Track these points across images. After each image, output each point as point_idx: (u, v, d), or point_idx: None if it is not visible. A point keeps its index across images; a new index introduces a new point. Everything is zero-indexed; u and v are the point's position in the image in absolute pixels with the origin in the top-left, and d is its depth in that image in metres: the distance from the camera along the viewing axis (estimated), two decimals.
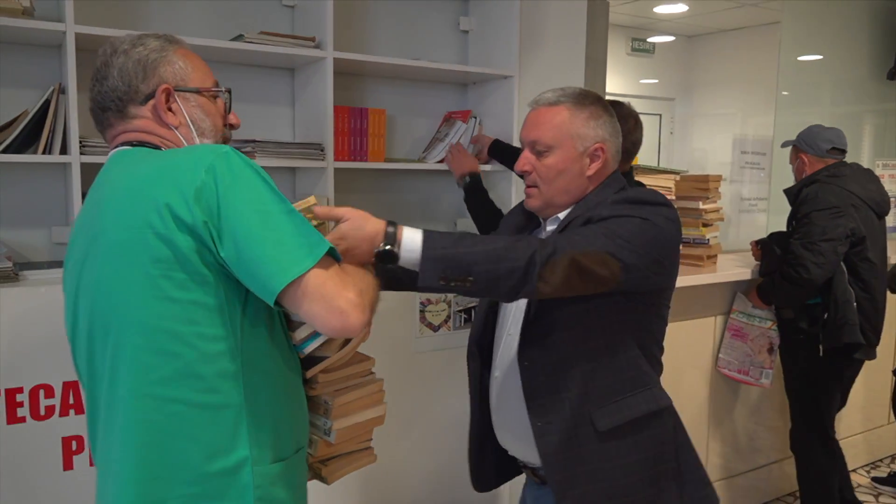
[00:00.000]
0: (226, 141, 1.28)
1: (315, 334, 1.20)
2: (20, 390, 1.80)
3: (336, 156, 2.28)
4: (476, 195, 2.36)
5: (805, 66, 4.65)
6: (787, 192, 2.89)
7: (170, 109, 1.20)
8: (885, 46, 4.80)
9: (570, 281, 1.30)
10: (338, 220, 1.24)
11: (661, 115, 6.86)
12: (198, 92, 1.22)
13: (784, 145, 3.00)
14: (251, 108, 2.37)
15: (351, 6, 2.50)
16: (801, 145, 2.89)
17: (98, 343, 1.14)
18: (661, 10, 5.61)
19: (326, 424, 1.29)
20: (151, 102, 1.19)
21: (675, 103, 6.84)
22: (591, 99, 1.53)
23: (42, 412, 1.82)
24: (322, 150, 2.23)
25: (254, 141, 2.16)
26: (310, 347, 1.22)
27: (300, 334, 1.20)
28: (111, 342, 1.11)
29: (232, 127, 1.30)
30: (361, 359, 1.36)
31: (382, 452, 1.49)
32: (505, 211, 2.18)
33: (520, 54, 2.55)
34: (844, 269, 2.72)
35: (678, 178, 2.72)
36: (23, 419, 1.81)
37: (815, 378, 2.82)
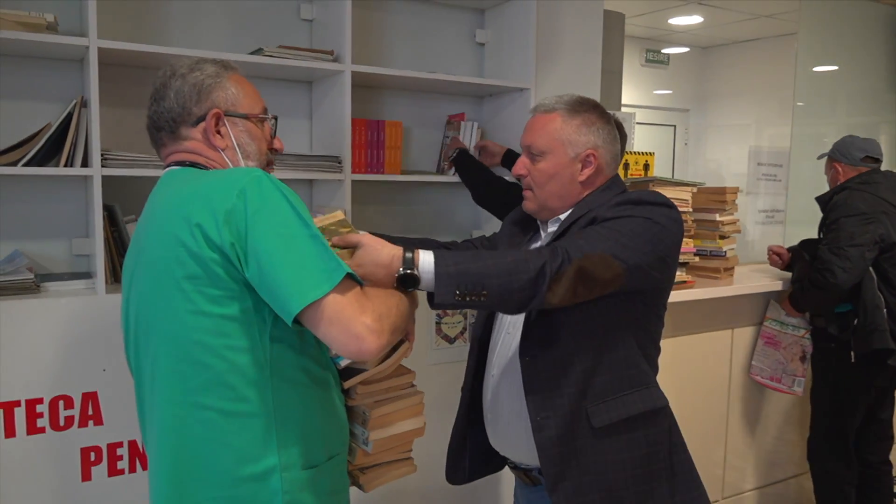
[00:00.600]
0: (269, 163, 1.35)
1: None
2: (40, 401, 1.81)
3: (353, 168, 2.29)
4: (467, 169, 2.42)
5: (821, 77, 4.62)
6: (819, 199, 2.90)
7: (218, 132, 1.26)
8: None
9: (576, 290, 1.33)
10: (354, 247, 1.25)
11: (675, 127, 6.85)
12: (246, 117, 1.29)
13: (820, 157, 3.02)
14: None
15: (368, 20, 2.52)
16: (836, 155, 2.91)
17: (142, 350, 1.23)
18: (675, 21, 5.61)
19: (364, 434, 1.33)
20: (202, 125, 1.26)
21: (689, 114, 6.83)
22: (586, 106, 1.56)
23: (62, 423, 1.83)
24: (339, 163, 2.24)
25: None
26: (345, 360, 1.27)
27: None
28: (151, 351, 1.19)
29: (276, 151, 1.37)
30: (402, 371, 1.39)
31: None
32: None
33: (536, 66, 2.55)
34: (874, 274, 2.70)
35: (695, 190, 2.70)
36: (42, 429, 1.82)
37: (844, 386, 2.80)
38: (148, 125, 1.30)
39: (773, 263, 3.05)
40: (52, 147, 1.88)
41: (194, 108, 1.25)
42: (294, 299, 1.06)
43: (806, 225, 3.09)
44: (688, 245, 2.64)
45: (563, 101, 1.56)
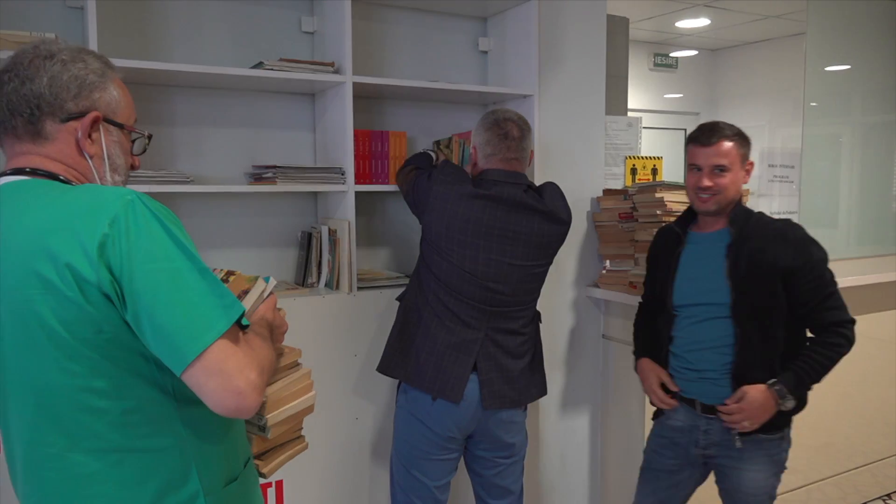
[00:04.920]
0: (125, 182, 1.20)
1: None
2: None
3: (357, 179, 2.29)
4: None
5: (833, 77, 4.57)
6: None
7: (89, 137, 1.11)
8: None
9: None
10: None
11: (685, 130, 6.80)
12: (122, 127, 1.15)
13: None
14: (272, 134, 2.39)
15: (370, 30, 2.52)
16: None
17: (12, 404, 1.07)
18: (682, 24, 5.57)
19: (262, 420, 1.26)
20: (74, 125, 1.09)
21: (699, 117, 6.78)
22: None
23: None
24: (343, 174, 2.23)
25: (275, 167, 2.17)
26: None
27: None
28: (30, 402, 1.04)
29: (132, 168, 1.21)
30: (288, 351, 1.35)
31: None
32: None
33: (539, 73, 2.54)
34: None
35: None
36: None
37: None
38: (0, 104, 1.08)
39: None
40: None
41: (69, 103, 1.08)
42: (188, 346, 0.94)
43: (819, 226, 3.03)
44: None
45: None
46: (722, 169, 1.93)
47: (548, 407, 2.79)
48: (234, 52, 2.30)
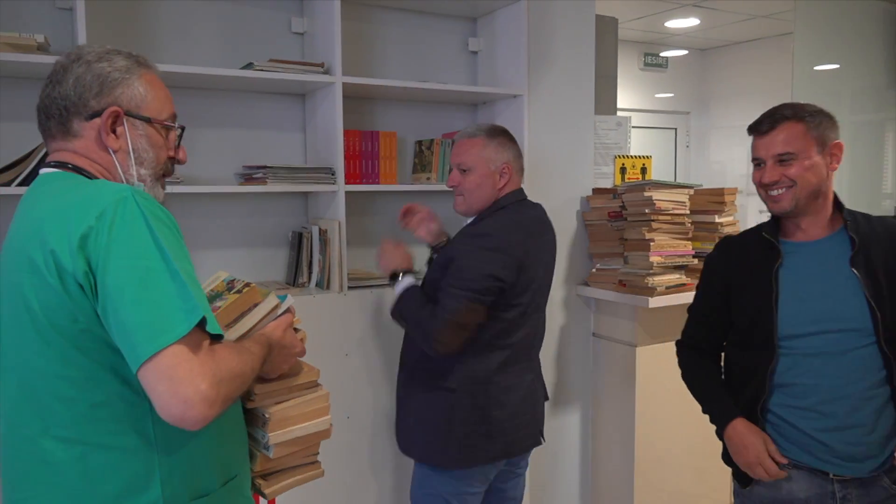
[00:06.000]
0: (166, 174, 1.24)
1: None
2: None
3: (347, 179, 2.30)
4: None
5: (821, 76, 4.60)
6: None
7: (114, 132, 1.14)
8: None
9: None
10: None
11: (676, 129, 6.84)
12: (149, 121, 1.17)
13: None
14: (263, 135, 2.40)
15: (360, 31, 2.53)
16: None
17: (1, 382, 1.10)
18: (672, 24, 5.60)
19: (265, 438, 1.23)
20: (96, 121, 1.13)
21: (690, 117, 6.81)
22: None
23: None
24: (333, 174, 2.24)
25: (265, 167, 2.18)
26: None
27: None
28: (13, 382, 1.08)
29: (177, 162, 1.25)
30: (306, 369, 1.31)
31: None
32: None
33: (528, 73, 2.55)
34: None
35: (692, 192, 2.69)
36: None
37: None
38: (38, 108, 1.16)
39: None
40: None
41: (92, 101, 1.12)
42: (143, 346, 0.94)
43: None
44: (686, 247, 2.63)
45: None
46: (788, 157, 1.58)
47: None
48: (223, 52, 2.31)
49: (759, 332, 1.60)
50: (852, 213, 1.64)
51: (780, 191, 1.59)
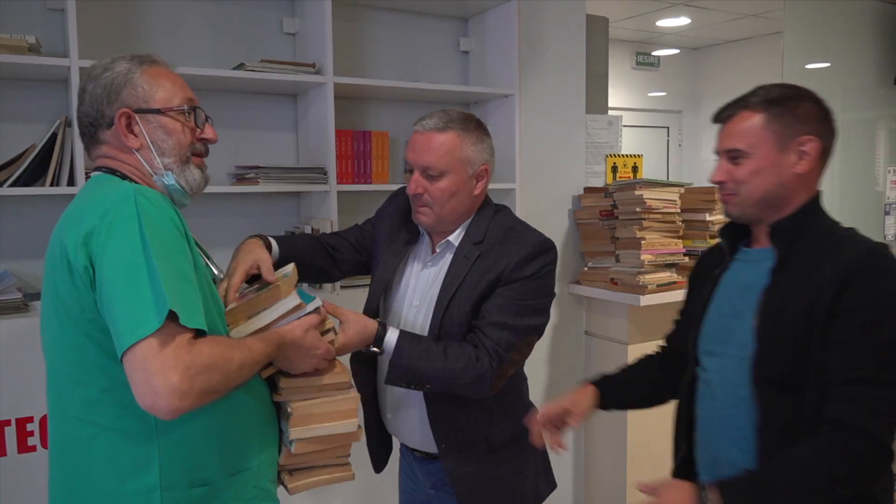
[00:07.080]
0: (199, 154, 1.28)
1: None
2: (31, 419, 1.82)
3: (340, 179, 2.31)
4: None
5: (812, 75, 4.63)
6: None
7: (132, 132, 1.21)
8: (892, 51, 4.78)
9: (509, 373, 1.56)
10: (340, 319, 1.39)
11: (668, 128, 6.86)
12: (159, 112, 1.22)
13: None
14: (255, 135, 2.40)
15: (352, 31, 2.53)
16: None
17: (47, 367, 1.23)
18: (663, 23, 5.63)
19: (288, 432, 1.25)
20: (114, 127, 1.21)
21: (682, 115, 6.84)
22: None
23: None
24: (325, 174, 2.25)
25: (257, 167, 2.19)
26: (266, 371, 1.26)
27: None
28: (50, 364, 1.20)
29: (207, 141, 1.29)
30: (339, 369, 1.32)
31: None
32: None
33: (520, 73, 2.57)
34: None
35: (682, 190, 2.71)
36: (33, 448, 1.82)
37: None
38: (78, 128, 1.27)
39: None
40: (38, 167, 1.90)
41: (106, 111, 1.20)
42: (123, 337, 1.00)
43: None
44: (677, 245, 2.65)
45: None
46: (737, 154, 1.30)
47: None
48: (215, 53, 2.31)
49: (682, 345, 1.47)
50: (796, 223, 1.30)
51: (727, 193, 1.34)
